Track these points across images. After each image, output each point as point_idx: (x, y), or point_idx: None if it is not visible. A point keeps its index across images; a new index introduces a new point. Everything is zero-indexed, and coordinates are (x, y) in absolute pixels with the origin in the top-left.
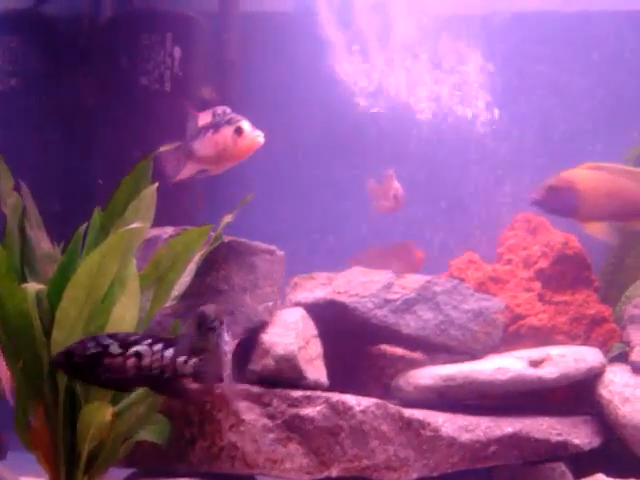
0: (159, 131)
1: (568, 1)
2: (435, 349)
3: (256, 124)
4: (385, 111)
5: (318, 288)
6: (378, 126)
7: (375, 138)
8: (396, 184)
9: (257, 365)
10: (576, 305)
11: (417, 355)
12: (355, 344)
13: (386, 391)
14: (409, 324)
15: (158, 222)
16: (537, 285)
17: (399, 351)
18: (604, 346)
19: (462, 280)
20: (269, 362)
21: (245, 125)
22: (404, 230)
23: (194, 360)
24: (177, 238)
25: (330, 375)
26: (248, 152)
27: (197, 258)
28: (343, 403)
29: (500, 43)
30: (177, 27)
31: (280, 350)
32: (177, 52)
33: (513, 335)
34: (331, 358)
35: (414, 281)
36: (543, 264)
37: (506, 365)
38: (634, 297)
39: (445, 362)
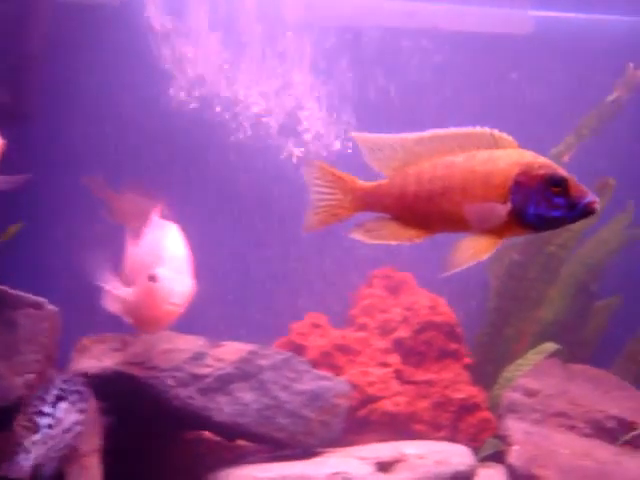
0: None
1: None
2: (258, 440)
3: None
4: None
5: (108, 355)
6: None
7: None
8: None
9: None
10: (442, 386)
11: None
12: (162, 427)
13: None
14: (222, 409)
15: None
16: (395, 358)
17: None
18: (475, 440)
19: (301, 349)
20: None
21: None
22: (242, 280)
23: None
24: None
25: (123, 473)
26: None
27: None
28: None
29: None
30: None
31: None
32: None
33: (362, 422)
34: (127, 449)
35: (233, 351)
36: (404, 332)
37: (346, 469)
38: (514, 379)
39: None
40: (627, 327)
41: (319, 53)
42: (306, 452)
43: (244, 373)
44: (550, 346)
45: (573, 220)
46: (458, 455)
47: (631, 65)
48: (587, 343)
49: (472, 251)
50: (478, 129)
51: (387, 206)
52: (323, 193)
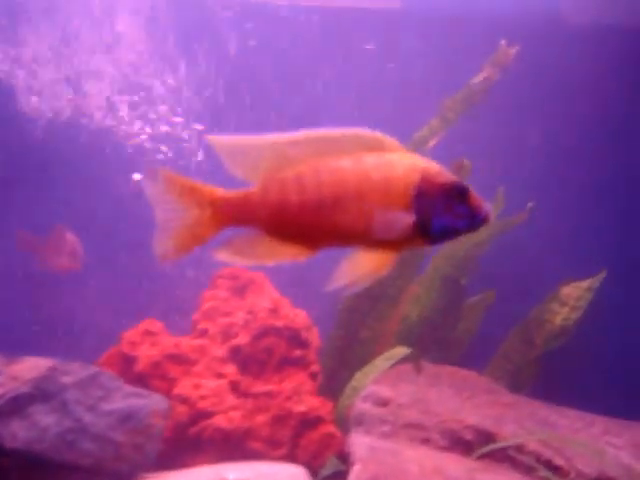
0: None
1: None
2: (61, 468)
3: None
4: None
5: None
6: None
7: None
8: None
9: None
10: (282, 398)
11: None
12: None
13: None
14: (16, 434)
15: None
16: (231, 368)
17: None
18: (317, 458)
19: (131, 360)
20: None
21: None
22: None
23: None
24: None
25: None
26: None
27: None
28: None
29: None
30: None
31: None
32: None
33: (193, 441)
34: None
35: (31, 368)
36: (243, 339)
37: None
38: (362, 388)
39: None
40: (502, 323)
41: None
42: (121, 479)
43: (43, 393)
44: (400, 351)
45: (472, 230)
46: (290, 478)
47: (503, 42)
48: (459, 342)
49: (371, 267)
50: (359, 130)
51: (260, 219)
52: (173, 210)
